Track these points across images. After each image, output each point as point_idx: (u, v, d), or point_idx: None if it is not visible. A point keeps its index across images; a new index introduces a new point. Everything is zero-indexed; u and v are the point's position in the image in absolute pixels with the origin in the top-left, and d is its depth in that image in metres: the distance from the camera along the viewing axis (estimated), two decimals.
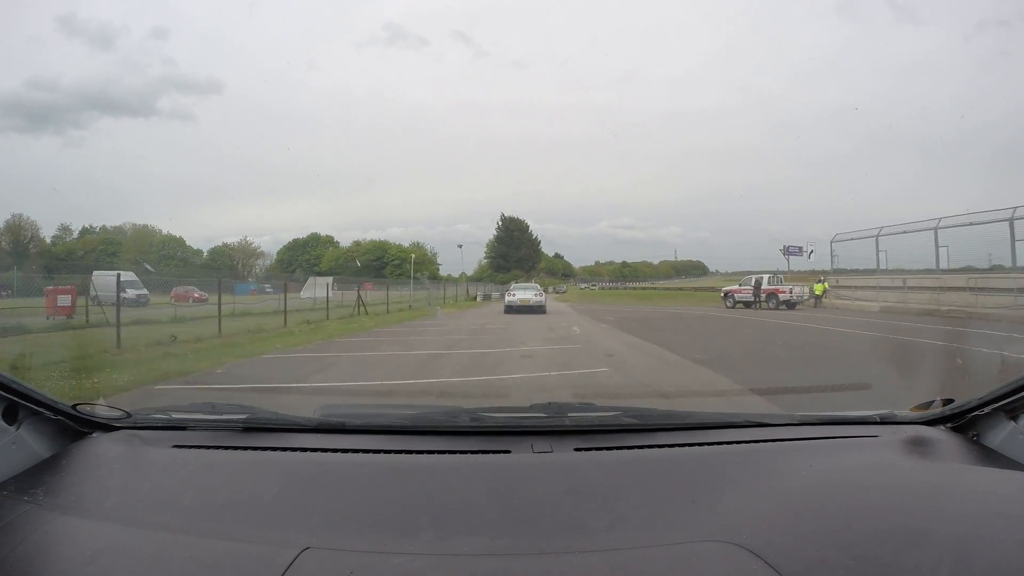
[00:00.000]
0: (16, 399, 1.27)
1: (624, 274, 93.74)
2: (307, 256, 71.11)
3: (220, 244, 65.18)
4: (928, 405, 1.58)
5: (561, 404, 1.58)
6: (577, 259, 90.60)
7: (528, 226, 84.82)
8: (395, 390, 6.30)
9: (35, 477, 1.20)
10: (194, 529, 1.04)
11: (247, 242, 68.13)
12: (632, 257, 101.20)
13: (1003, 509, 1.10)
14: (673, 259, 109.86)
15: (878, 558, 0.92)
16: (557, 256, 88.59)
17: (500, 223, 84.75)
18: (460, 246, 52.29)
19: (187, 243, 58.66)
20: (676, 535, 1.02)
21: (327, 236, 74.20)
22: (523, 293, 21.36)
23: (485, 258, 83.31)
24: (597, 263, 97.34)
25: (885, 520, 1.04)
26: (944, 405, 1.54)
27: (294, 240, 74.18)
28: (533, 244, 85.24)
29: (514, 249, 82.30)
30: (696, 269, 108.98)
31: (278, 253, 71.92)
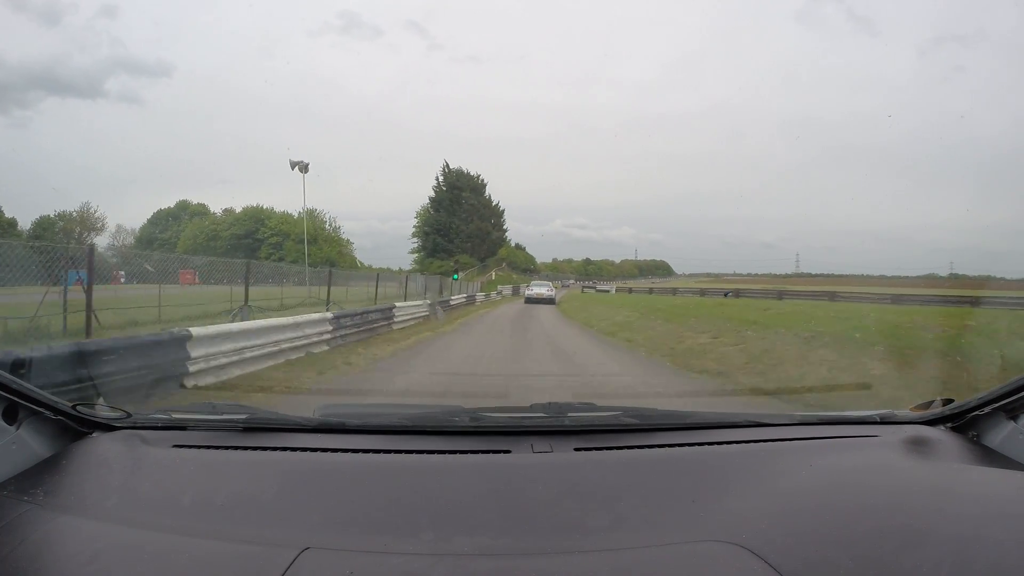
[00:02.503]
0: (16, 399, 1.27)
1: (589, 272, 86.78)
2: (168, 234, 52.11)
3: (52, 214, 45.06)
4: (928, 405, 1.58)
5: (561, 404, 1.58)
6: (534, 256, 78.81)
7: (485, 185, 56.78)
8: None
9: (35, 477, 1.20)
10: (194, 529, 1.04)
11: (89, 212, 47.11)
12: (583, 256, 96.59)
13: (1003, 509, 1.10)
14: (635, 258, 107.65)
15: (878, 558, 0.92)
16: (519, 247, 67.36)
17: (441, 178, 55.40)
18: (301, 167, 28.66)
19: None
20: (676, 535, 1.02)
21: (199, 204, 54.55)
22: (538, 289, 29.91)
23: (413, 235, 56.38)
24: (555, 260, 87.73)
25: (885, 520, 1.04)
26: (944, 405, 1.54)
27: (158, 211, 54.88)
28: (493, 214, 57.39)
29: (461, 219, 54.17)
30: (661, 269, 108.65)
31: (141, 228, 54.39)
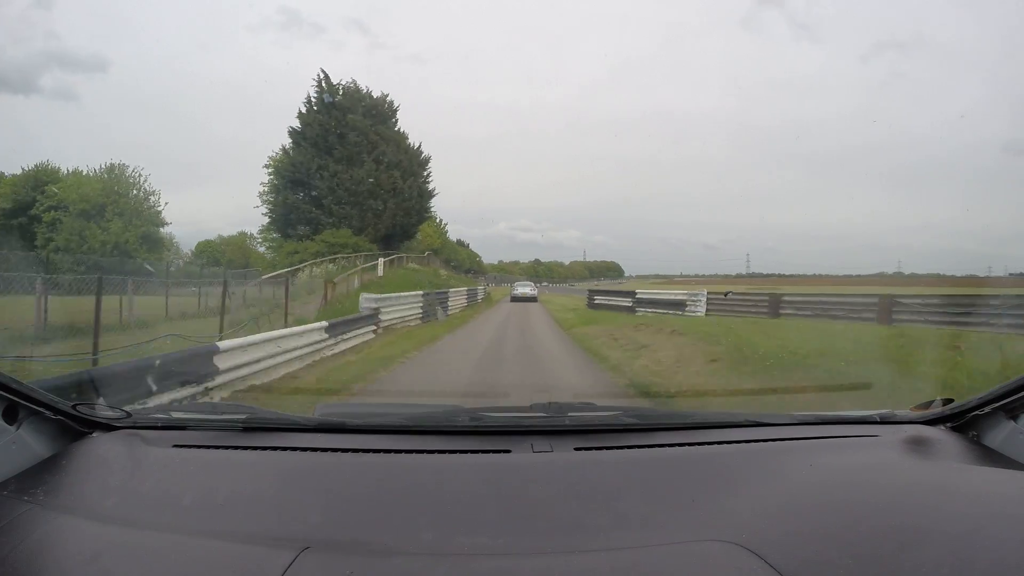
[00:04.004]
0: (16, 399, 1.27)
1: (539, 273, 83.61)
2: None
3: None
4: (928, 405, 1.58)
5: (561, 404, 1.58)
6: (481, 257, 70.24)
7: (395, 110, 30.69)
8: None
9: (35, 477, 1.20)
10: (194, 529, 1.04)
11: None
12: (530, 259, 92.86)
13: (1003, 509, 1.09)
14: (583, 259, 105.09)
15: (879, 557, 0.92)
16: (461, 244, 53.37)
17: (314, 96, 28.08)
18: None
19: None
20: (676, 535, 1.02)
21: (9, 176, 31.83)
22: (523, 288, 27.86)
23: (262, 199, 29.14)
24: (501, 262, 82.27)
25: (885, 519, 1.04)
26: (944, 405, 1.54)
27: None
28: (408, 160, 30.30)
29: (342, 162, 27.00)
30: (612, 270, 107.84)
31: None
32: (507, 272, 72.82)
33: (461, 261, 48.72)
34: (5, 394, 1.25)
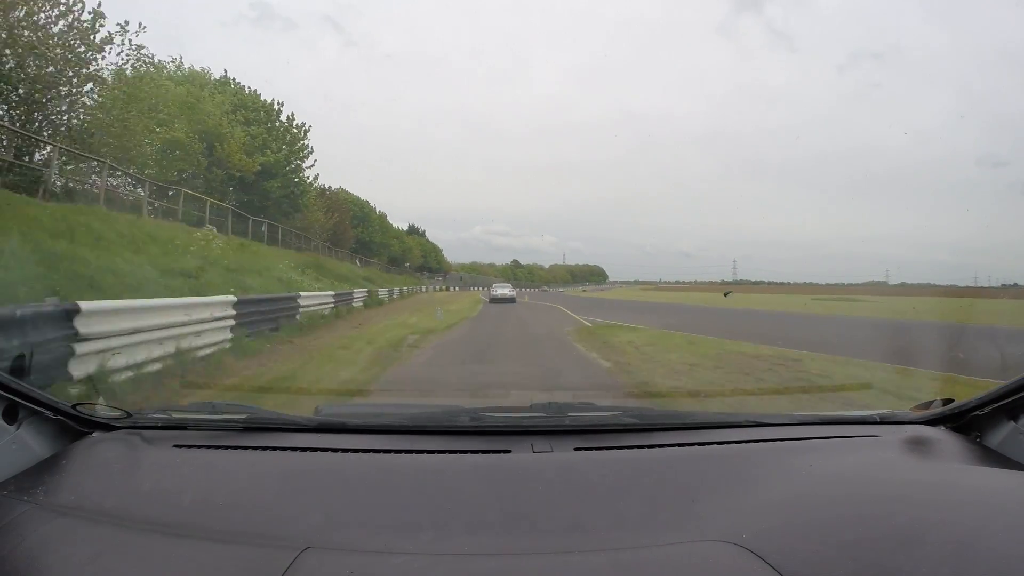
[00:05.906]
0: (16, 399, 1.27)
1: (518, 275, 79.89)
2: None
3: None
4: (928, 405, 1.59)
5: (561, 404, 1.58)
6: (453, 260, 67.78)
7: None
8: None
9: (35, 477, 1.20)
10: (194, 529, 1.04)
11: None
12: (506, 261, 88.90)
13: (1003, 509, 1.09)
14: (563, 263, 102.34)
15: (878, 558, 0.92)
16: (415, 232, 46.24)
17: None
18: None
19: None
20: (676, 535, 1.02)
21: None
22: (501, 290, 28.24)
23: None
24: (475, 263, 77.86)
25: (885, 520, 1.04)
26: (944, 405, 1.54)
27: None
28: None
29: None
30: (596, 275, 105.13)
31: None
32: (481, 273, 69.66)
33: (411, 257, 36.83)
34: (5, 394, 1.25)
